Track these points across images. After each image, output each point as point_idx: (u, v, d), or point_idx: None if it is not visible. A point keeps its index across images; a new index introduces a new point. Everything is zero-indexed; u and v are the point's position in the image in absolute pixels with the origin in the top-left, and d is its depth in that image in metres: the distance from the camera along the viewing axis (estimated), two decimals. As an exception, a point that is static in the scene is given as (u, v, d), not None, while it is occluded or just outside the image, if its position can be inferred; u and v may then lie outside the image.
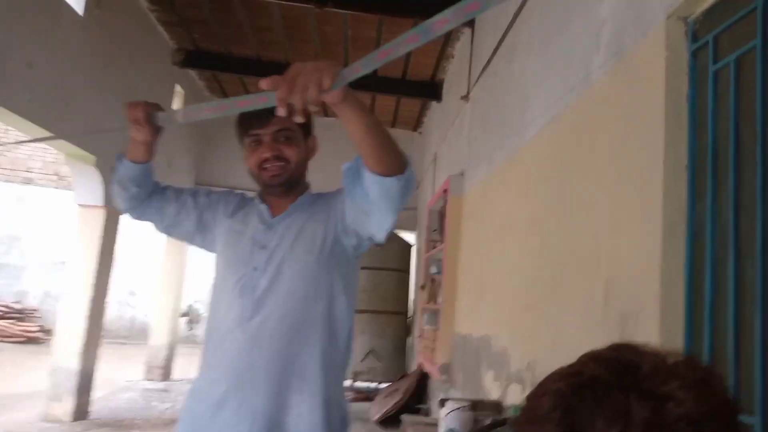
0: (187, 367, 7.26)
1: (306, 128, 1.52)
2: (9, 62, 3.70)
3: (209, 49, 6.36)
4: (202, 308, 7.16)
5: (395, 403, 5.01)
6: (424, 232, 6.12)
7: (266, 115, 1.42)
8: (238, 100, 1.14)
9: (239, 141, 1.53)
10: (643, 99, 1.69)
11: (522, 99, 2.99)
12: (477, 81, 4.12)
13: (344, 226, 1.43)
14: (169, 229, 1.62)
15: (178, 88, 6.73)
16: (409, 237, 7.62)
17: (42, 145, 9.99)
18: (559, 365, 0.62)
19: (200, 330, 7.34)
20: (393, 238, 7.12)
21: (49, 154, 10.52)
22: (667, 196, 1.54)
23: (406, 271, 7.23)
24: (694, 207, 1.52)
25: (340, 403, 1.46)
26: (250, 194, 1.62)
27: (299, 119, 1.01)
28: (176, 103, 6.80)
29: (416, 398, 5.14)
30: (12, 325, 9.25)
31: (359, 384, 6.76)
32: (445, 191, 4.61)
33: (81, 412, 5.00)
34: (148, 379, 7.04)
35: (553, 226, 2.37)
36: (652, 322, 1.56)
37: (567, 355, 2.10)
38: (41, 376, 6.14)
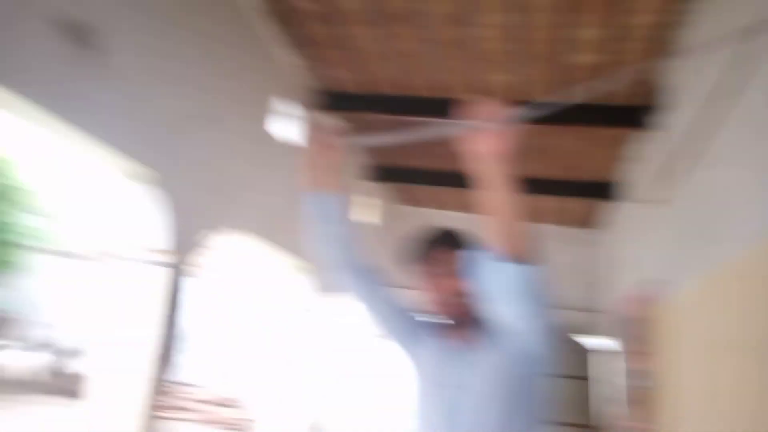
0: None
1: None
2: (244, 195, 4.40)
3: (401, 165, 6.97)
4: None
5: None
6: (609, 337, 5.79)
7: (440, 251, 1.51)
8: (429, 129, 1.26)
9: (410, 268, 1.57)
10: None
11: (729, 210, 2.88)
12: (671, 185, 4.02)
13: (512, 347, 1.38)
14: (385, 318, 1.62)
15: (377, 202, 7.36)
16: (584, 340, 7.20)
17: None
18: None
19: None
20: (566, 341, 6.79)
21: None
22: None
23: (584, 379, 6.79)
24: None
25: None
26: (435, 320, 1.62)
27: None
28: (374, 216, 7.38)
29: None
30: (218, 412, 10.21)
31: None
32: (641, 298, 4.41)
33: None
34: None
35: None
36: None
37: None
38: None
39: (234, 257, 11.71)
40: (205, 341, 11.65)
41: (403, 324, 1.62)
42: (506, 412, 1.41)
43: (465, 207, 7.38)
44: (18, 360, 10.11)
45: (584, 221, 7.78)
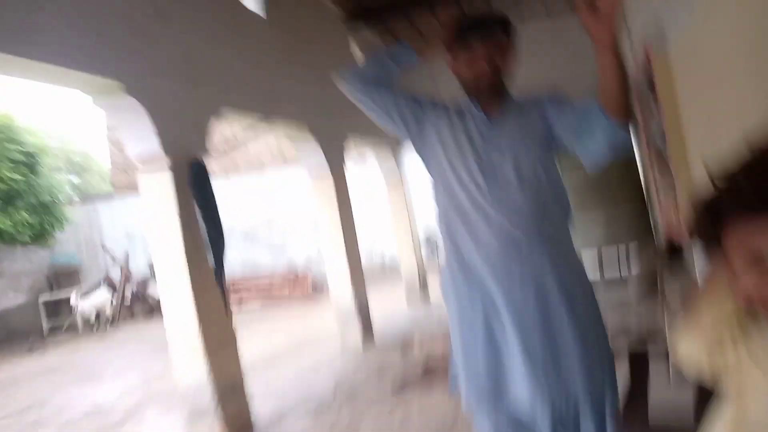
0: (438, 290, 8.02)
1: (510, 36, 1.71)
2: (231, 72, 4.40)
3: (373, 4, 6.68)
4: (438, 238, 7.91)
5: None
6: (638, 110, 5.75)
7: (488, 30, 1.67)
8: None
9: (447, 48, 1.74)
10: None
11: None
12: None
13: (552, 134, 1.67)
14: (382, 114, 1.80)
15: (356, 51, 7.23)
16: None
17: (269, 135, 11.50)
18: None
19: (440, 257, 8.06)
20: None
21: (273, 141, 12.08)
22: None
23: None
24: None
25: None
26: (456, 99, 1.81)
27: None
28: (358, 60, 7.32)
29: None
30: (291, 289, 11.08)
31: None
32: (648, 61, 4.31)
33: (368, 339, 5.95)
34: (411, 307, 7.96)
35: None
36: None
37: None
38: (329, 320, 7.32)
39: (238, 139, 11.85)
40: (252, 230, 12.27)
41: (418, 115, 1.79)
42: (535, 193, 1.66)
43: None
44: (100, 299, 10.96)
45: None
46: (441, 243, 1.82)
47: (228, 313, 3.78)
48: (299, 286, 11.17)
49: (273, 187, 12.32)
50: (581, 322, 1.62)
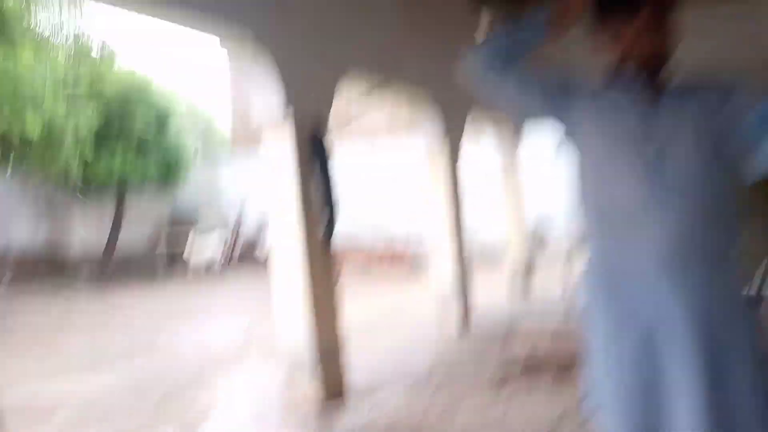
0: (543, 286, 7.62)
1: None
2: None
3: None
4: (548, 228, 7.48)
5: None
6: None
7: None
8: None
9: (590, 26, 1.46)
10: None
11: None
12: None
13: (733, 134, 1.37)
14: (524, 97, 1.54)
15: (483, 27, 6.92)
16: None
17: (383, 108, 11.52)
18: None
19: (546, 250, 7.64)
20: None
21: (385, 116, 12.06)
22: None
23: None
24: None
25: None
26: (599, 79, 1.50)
27: None
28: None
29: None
30: (389, 264, 11.05)
31: None
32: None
33: (466, 325, 5.75)
34: (510, 299, 7.60)
35: None
36: None
37: None
38: (426, 300, 7.20)
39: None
40: (358, 199, 12.48)
41: (563, 98, 1.51)
42: (709, 192, 1.37)
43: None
44: (214, 243, 12.04)
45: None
46: (579, 245, 1.54)
47: (336, 281, 3.82)
48: (398, 262, 11.10)
49: (383, 158, 12.39)
50: (750, 358, 1.36)
